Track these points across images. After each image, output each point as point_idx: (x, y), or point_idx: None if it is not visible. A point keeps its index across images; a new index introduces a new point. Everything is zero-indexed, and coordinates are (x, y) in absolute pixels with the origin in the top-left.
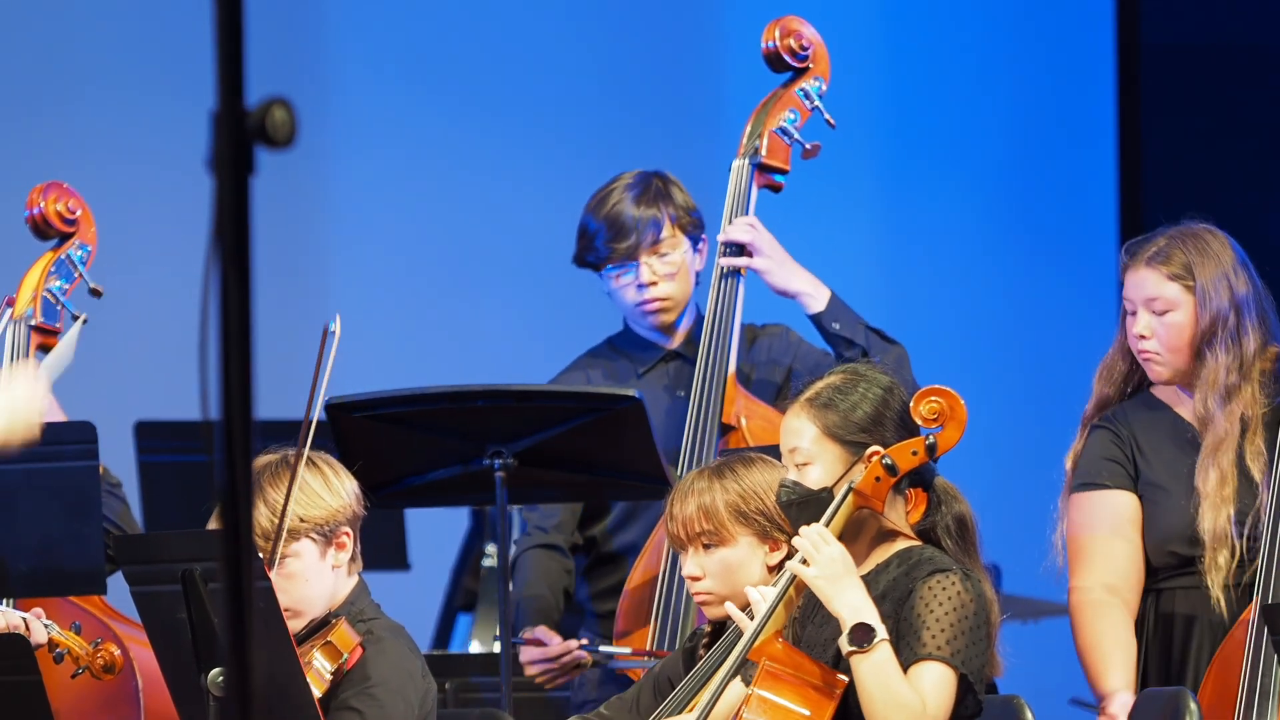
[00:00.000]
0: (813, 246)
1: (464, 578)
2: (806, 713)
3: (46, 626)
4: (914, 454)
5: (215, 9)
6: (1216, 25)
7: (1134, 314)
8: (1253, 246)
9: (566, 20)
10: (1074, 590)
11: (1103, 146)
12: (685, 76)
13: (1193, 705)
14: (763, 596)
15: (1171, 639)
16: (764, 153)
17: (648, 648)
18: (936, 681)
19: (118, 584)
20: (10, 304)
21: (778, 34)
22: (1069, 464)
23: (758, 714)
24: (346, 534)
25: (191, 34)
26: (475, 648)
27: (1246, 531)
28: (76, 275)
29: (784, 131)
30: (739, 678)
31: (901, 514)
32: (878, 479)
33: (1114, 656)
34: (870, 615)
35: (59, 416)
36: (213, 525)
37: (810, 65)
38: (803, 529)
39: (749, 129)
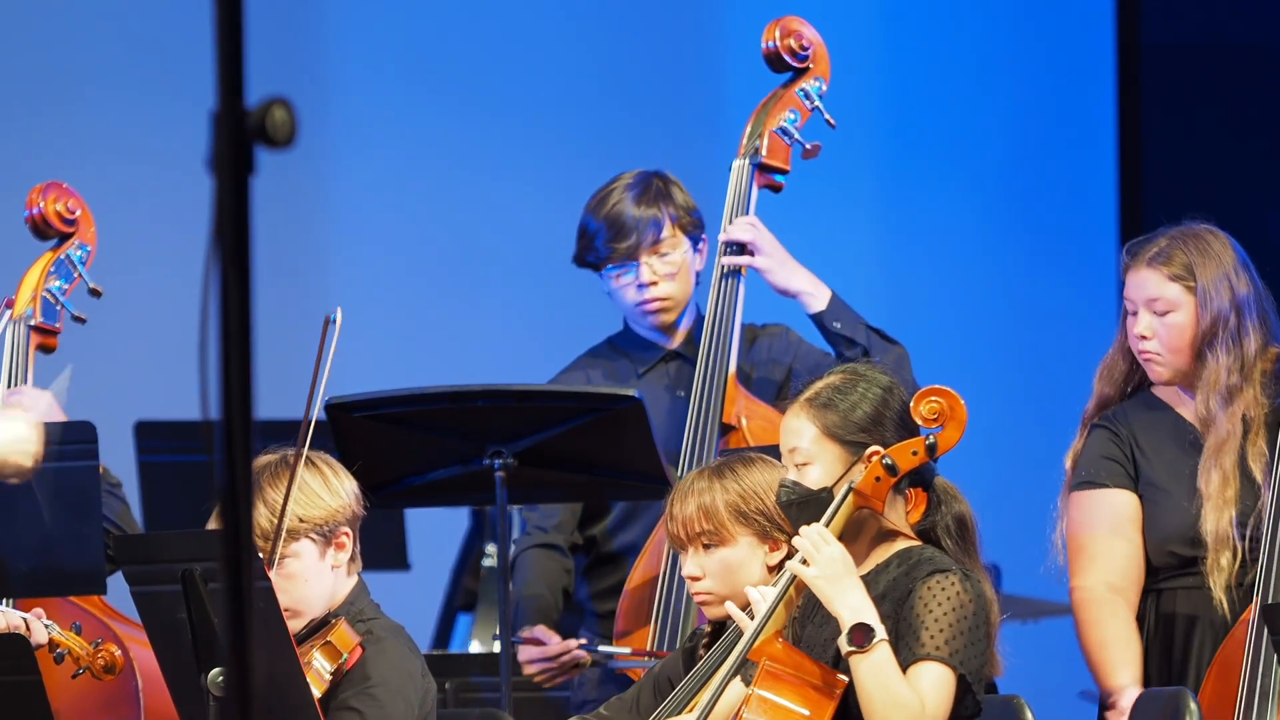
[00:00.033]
0: (813, 246)
1: (464, 578)
2: (806, 713)
3: (47, 627)
4: (914, 454)
5: (215, 9)
6: (1216, 25)
7: (1135, 314)
8: (1253, 246)
9: (566, 20)
10: (1076, 589)
11: (1103, 146)
12: (685, 76)
13: (1193, 705)
14: (763, 596)
15: (1172, 639)
16: (764, 153)
17: (648, 648)
18: (935, 682)
19: (118, 584)
20: (9, 306)
21: (778, 34)
22: (1068, 463)
23: (758, 714)
24: (346, 534)
25: (191, 34)
26: (475, 648)
27: (1249, 533)
28: (76, 275)
29: (784, 132)
30: (739, 677)
31: (901, 514)
32: (878, 479)
33: (1121, 653)
34: (870, 615)
35: (59, 416)
36: (213, 525)
37: (810, 65)
38: (803, 529)
39: (749, 129)
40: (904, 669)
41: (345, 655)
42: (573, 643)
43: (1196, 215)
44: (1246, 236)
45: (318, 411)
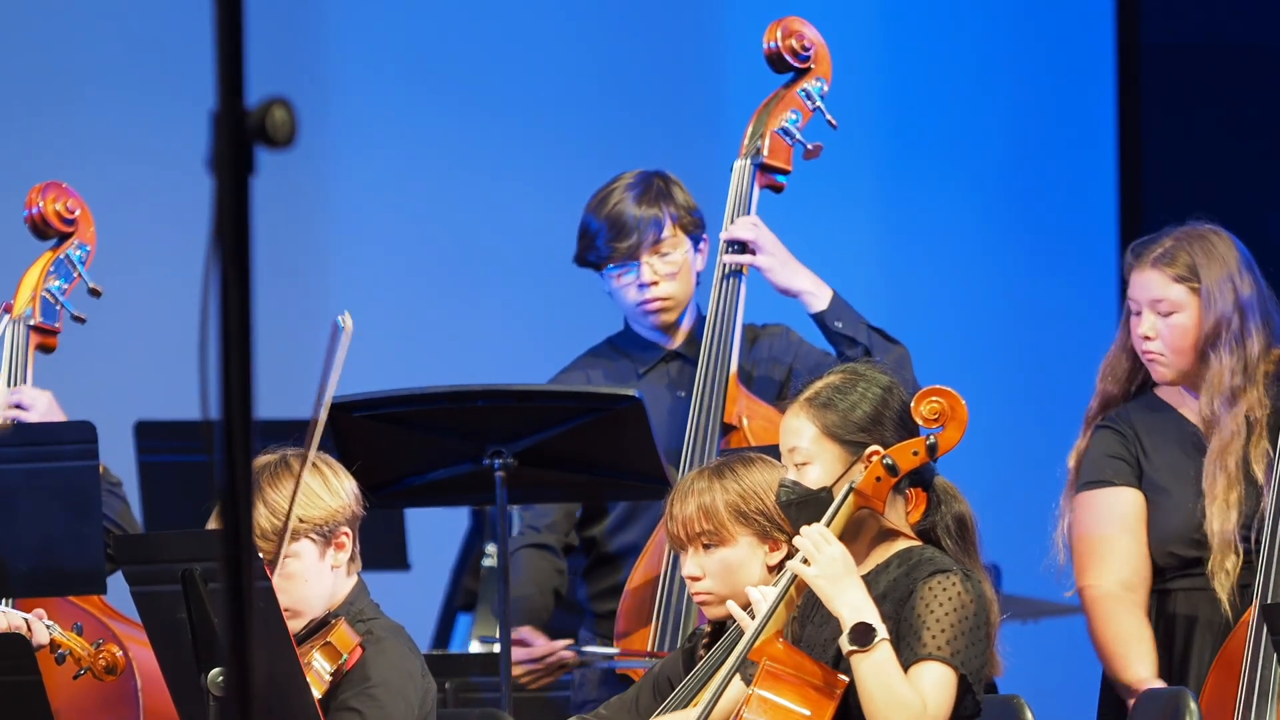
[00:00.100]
0: (813, 246)
1: (464, 578)
2: (807, 713)
3: (48, 627)
4: (915, 454)
5: (215, 9)
6: (1216, 25)
7: (1139, 314)
8: (1253, 246)
9: (566, 20)
10: (1087, 588)
11: (1103, 146)
12: (685, 76)
13: (1193, 705)
14: (763, 596)
15: (1174, 640)
16: (766, 153)
17: (649, 648)
18: (937, 681)
19: (118, 584)
20: (8, 309)
21: (779, 34)
22: (1072, 462)
23: (758, 714)
24: (346, 534)
25: (191, 34)
26: (475, 648)
27: (1253, 534)
28: (76, 275)
29: (786, 132)
30: (739, 677)
31: (901, 514)
32: (878, 479)
33: (1137, 647)
34: (871, 615)
35: (59, 416)
36: (213, 525)
37: (812, 66)
38: (804, 529)
39: (751, 129)
40: (905, 669)
41: (345, 656)
42: (558, 644)
43: (1201, 215)
44: (1246, 236)
45: (324, 414)
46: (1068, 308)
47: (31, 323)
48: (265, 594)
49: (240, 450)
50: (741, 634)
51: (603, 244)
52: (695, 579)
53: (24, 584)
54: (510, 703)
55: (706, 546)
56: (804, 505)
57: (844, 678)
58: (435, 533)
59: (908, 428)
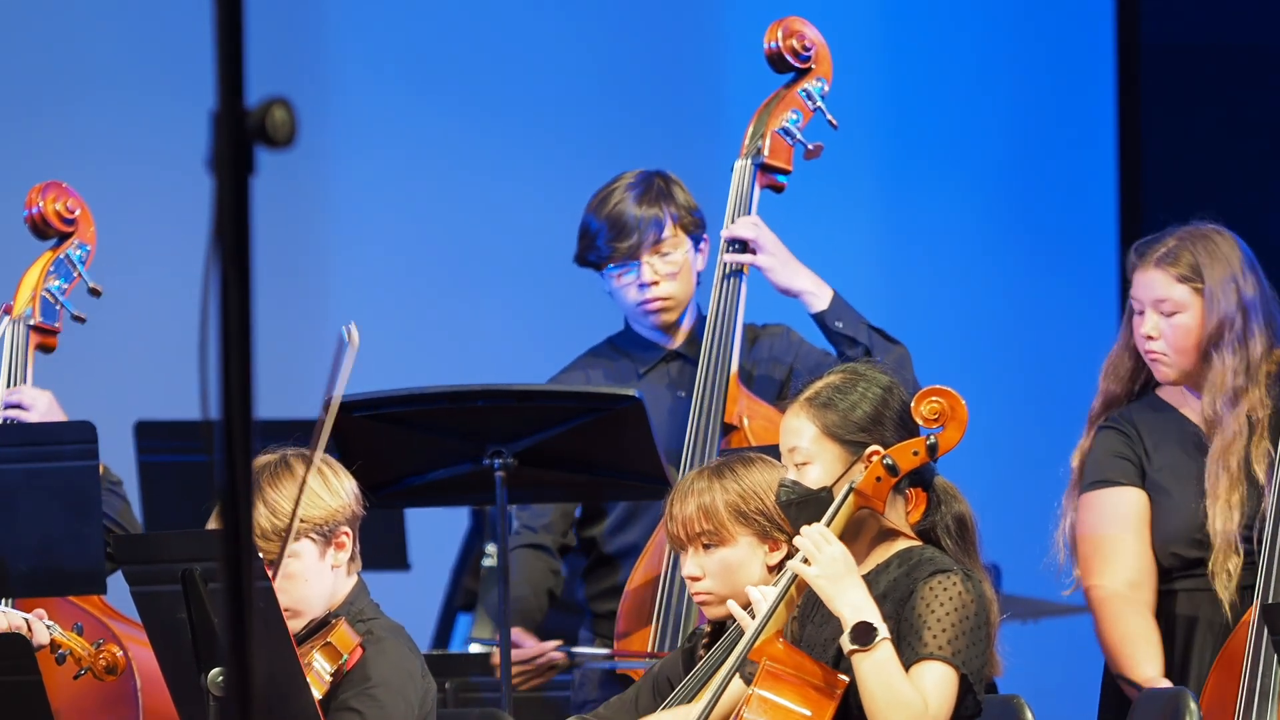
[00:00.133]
0: (813, 246)
1: (464, 578)
2: (807, 713)
3: (49, 627)
4: (915, 454)
5: (215, 9)
6: (1216, 25)
7: (1142, 314)
8: (1253, 246)
9: (566, 20)
10: (1095, 588)
11: (1103, 146)
12: (685, 76)
13: (1193, 705)
14: (763, 596)
15: (1175, 640)
16: (766, 153)
17: (649, 649)
18: (938, 681)
19: (118, 584)
20: (8, 311)
21: (780, 35)
22: (1076, 461)
23: (758, 714)
24: (346, 534)
25: (191, 34)
26: (475, 648)
27: (1255, 535)
28: (76, 275)
29: (786, 132)
30: (739, 677)
31: (901, 514)
32: (879, 479)
33: (1145, 647)
34: (872, 614)
35: (59, 416)
36: (213, 525)
37: (813, 66)
38: (804, 528)
39: (751, 129)
40: (906, 668)
41: (345, 656)
42: (549, 645)
43: (1205, 215)
44: (1246, 236)
45: (330, 419)
46: (1068, 308)
47: (31, 322)
48: (265, 594)
49: (240, 450)
50: (741, 634)
51: (603, 244)
52: (695, 579)
53: (24, 584)
54: (510, 703)
55: (706, 546)
56: (804, 505)
57: (844, 678)
58: (435, 533)
59: (908, 428)
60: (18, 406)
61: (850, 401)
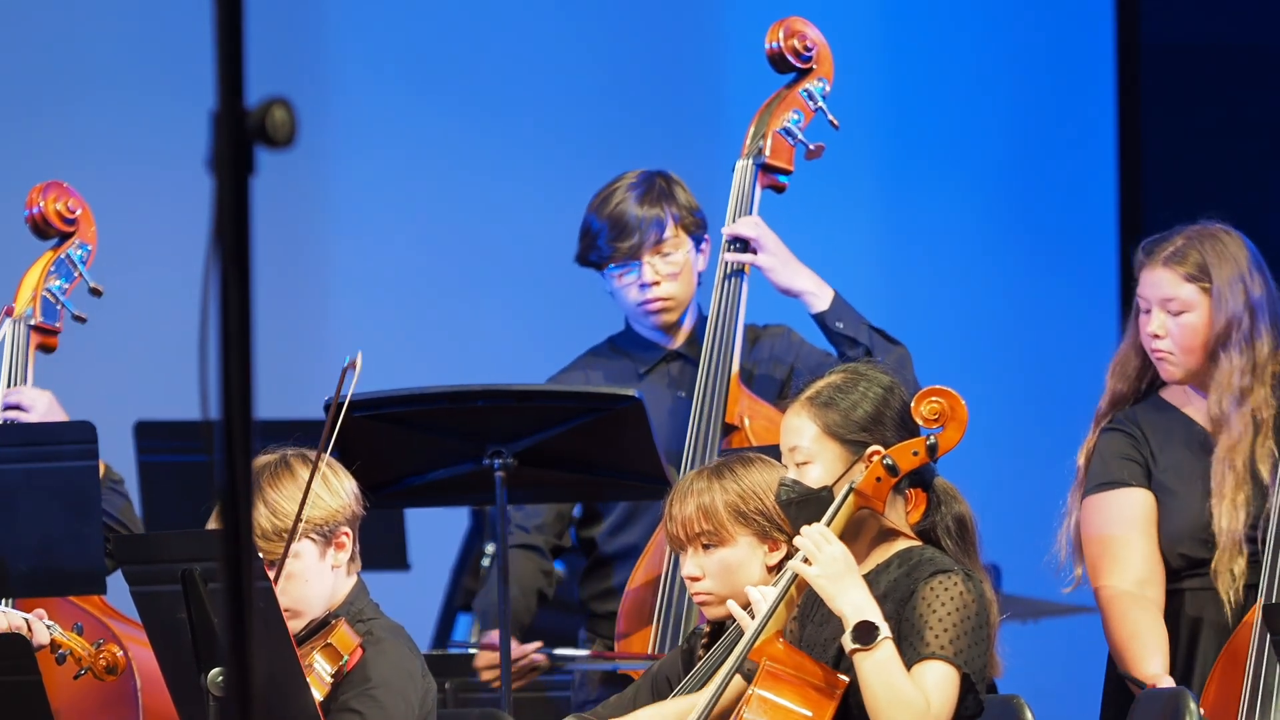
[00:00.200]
0: (813, 246)
1: (464, 578)
2: (807, 713)
3: (49, 627)
4: (915, 454)
5: (215, 9)
6: (1216, 25)
7: (1148, 312)
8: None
9: (566, 20)
10: (1103, 588)
11: (1103, 146)
12: (686, 76)
13: (1193, 705)
14: (763, 596)
15: (1179, 640)
16: (768, 153)
17: (649, 650)
18: (940, 680)
19: (118, 584)
20: (9, 313)
21: (782, 35)
22: (1081, 459)
23: (758, 714)
24: (346, 534)
25: (191, 34)
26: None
27: (1260, 534)
28: (76, 275)
29: (788, 132)
30: (739, 677)
31: (901, 514)
32: (879, 479)
33: (1151, 644)
34: (873, 613)
35: (59, 416)
36: (213, 525)
37: (814, 66)
38: (804, 528)
39: (752, 129)
40: (908, 668)
41: (346, 657)
42: (529, 647)
43: (1212, 214)
44: (1247, 236)
45: (331, 441)
46: (1068, 308)
47: (32, 322)
48: (265, 594)
49: (240, 450)
50: (741, 634)
51: (604, 244)
52: (695, 579)
53: (24, 584)
54: (510, 703)
55: (706, 547)
56: (804, 504)
57: (844, 678)
58: (435, 533)
59: (908, 428)
60: (18, 407)
61: (851, 401)
